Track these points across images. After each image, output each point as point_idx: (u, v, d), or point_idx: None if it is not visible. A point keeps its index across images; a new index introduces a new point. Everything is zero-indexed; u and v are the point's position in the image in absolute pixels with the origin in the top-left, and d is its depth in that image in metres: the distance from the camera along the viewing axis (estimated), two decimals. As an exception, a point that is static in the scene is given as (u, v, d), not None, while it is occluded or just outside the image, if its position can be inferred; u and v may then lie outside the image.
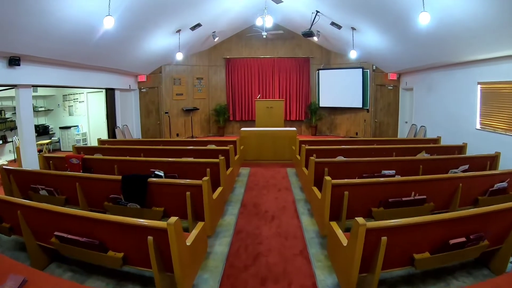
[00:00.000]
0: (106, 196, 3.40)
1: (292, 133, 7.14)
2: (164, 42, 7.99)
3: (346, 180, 3.23)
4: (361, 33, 7.46)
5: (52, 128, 10.25)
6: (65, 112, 10.36)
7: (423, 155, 5.46)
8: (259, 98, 9.55)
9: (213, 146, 5.63)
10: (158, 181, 3.28)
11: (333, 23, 7.22)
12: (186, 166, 4.06)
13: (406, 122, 9.85)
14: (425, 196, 3.26)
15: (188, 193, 3.07)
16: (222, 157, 3.92)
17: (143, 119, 10.43)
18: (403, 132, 9.94)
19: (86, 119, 10.09)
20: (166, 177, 4.03)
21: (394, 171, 4.17)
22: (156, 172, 4.12)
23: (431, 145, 5.96)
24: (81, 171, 4.84)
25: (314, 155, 4.66)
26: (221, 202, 3.96)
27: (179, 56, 8.10)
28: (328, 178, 3.13)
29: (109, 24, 4.63)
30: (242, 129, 7.40)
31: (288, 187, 5.24)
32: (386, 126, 10.06)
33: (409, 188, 3.26)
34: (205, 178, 3.13)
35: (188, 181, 3.22)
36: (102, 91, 9.14)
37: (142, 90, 10.28)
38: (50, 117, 10.45)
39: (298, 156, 5.53)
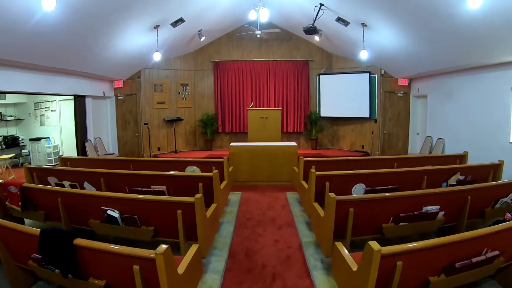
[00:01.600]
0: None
1: (292, 149, 6.15)
2: (141, 41, 7.00)
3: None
4: (372, 31, 6.58)
5: (23, 139, 9.46)
6: (36, 122, 9.60)
7: (457, 178, 4.57)
8: (252, 107, 8.55)
9: (193, 170, 4.55)
10: (91, 246, 2.17)
11: (339, 19, 6.30)
12: (151, 205, 2.98)
13: (418, 134, 9.03)
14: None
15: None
16: (199, 196, 2.85)
17: (119, 130, 9.39)
18: (414, 145, 9.11)
19: (58, 130, 9.30)
20: (122, 219, 2.96)
21: (438, 206, 3.23)
22: (109, 212, 3.04)
23: (464, 164, 4.98)
24: (20, 203, 3.77)
25: (327, 183, 3.67)
26: (197, 266, 2.84)
27: (157, 57, 7.10)
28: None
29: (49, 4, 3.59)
30: (232, 144, 6.38)
31: (290, 221, 4.21)
32: (395, 138, 9.15)
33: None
34: (159, 251, 2.06)
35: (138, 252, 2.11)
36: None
37: (118, 97, 9.25)
38: (21, 127, 9.64)
39: (303, 183, 4.50)
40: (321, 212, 3.27)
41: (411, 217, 3.11)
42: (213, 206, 3.41)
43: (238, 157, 6.11)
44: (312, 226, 3.74)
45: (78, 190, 3.34)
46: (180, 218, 2.80)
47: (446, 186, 4.60)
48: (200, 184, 3.68)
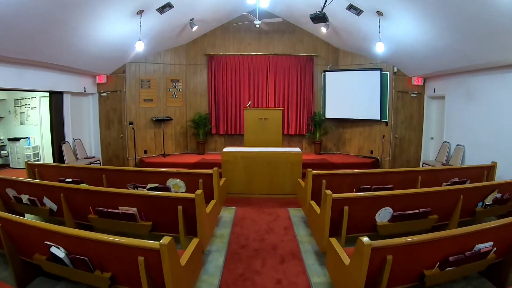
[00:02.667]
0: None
1: (296, 156, 5.43)
2: (124, 29, 6.28)
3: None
4: (388, 21, 5.88)
5: (2, 139, 8.83)
6: (16, 120, 8.93)
7: (494, 196, 4.00)
8: (249, 106, 7.80)
9: (176, 184, 3.80)
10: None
11: (351, 7, 5.56)
12: (105, 247, 2.21)
13: (432, 138, 8.37)
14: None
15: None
16: (166, 241, 2.07)
17: (103, 131, 8.66)
18: (427, 151, 8.46)
19: (39, 129, 8.57)
20: (70, 259, 2.23)
21: (491, 243, 2.55)
22: (52, 250, 2.28)
23: (504, 181, 4.24)
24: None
25: (346, 207, 2.96)
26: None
27: (140, 47, 6.34)
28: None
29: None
30: (225, 149, 5.64)
31: (295, 251, 3.51)
32: (407, 143, 8.48)
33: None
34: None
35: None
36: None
37: (101, 94, 8.48)
38: (1, 126, 9.00)
39: (312, 205, 3.74)
40: (345, 259, 2.46)
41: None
42: (194, 242, 2.67)
43: (232, 165, 5.38)
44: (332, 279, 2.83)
45: (18, 218, 2.55)
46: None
47: (482, 206, 3.95)
48: (180, 208, 2.93)
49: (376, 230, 3.19)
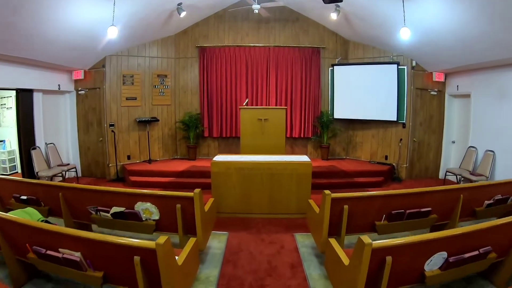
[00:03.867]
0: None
1: (304, 167, 4.58)
2: (98, 14, 5.36)
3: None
4: (412, 3, 4.92)
5: None
6: None
7: None
8: (246, 104, 6.90)
9: (146, 209, 2.92)
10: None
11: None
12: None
13: (453, 142, 7.57)
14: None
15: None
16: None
17: (81, 134, 7.82)
18: (447, 157, 7.69)
19: (15, 131, 7.43)
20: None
21: None
22: None
23: None
24: None
25: (389, 257, 2.07)
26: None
27: (113, 33, 5.40)
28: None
29: None
30: (216, 158, 4.78)
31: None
32: (426, 147, 7.70)
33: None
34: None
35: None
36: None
37: (79, 92, 7.57)
38: None
39: (334, 248, 2.80)
40: None
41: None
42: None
43: (224, 179, 4.52)
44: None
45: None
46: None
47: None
48: (137, 259, 2.03)
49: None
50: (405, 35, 5.29)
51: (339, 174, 6.72)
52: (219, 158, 4.86)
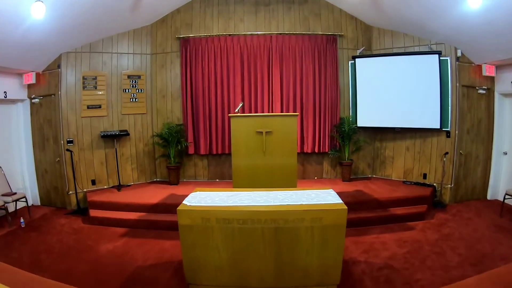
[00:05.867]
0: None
1: (333, 216, 2.92)
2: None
3: None
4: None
5: None
6: None
7: None
8: (238, 111, 5.18)
9: None
10: None
11: None
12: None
13: (505, 153, 5.99)
14: None
15: None
16: None
17: (37, 152, 6.27)
18: (497, 172, 6.10)
19: None
20: None
21: None
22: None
23: None
24: None
25: None
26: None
27: (38, 11, 3.69)
28: None
29: None
30: (187, 201, 3.13)
31: None
32: (474, 161, 6.12)
33: None
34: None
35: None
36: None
37: (33, 100, 6.03)
38: None
39: None
40: None
41: None
42: None
43: (202, 236, 2.85)
44: None
45: None
46: None
47: None
48: None
49: None
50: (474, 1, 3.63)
51: (370, 203, 5.06)
52: (194, 198, 3.20)
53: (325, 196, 3.22)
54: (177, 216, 2.90)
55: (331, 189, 3.51)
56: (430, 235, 4.49)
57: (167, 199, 5.23)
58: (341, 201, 3.05)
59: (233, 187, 4.36)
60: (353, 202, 5.01)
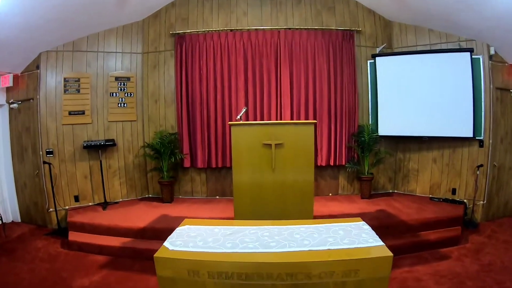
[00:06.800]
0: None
1: (371, 266, 2.15)
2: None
3: None
4: None
5: None
6: None
7: None
8: (241, 118, 4.34)
9: None
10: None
11: None
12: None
13: None
14: None
15: None
16: None
17: (16, 163, 5.56)
18: None
19: None
20: None
21: None
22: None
23: None
24: None
25: None
26: None
27: None
28: None
29: None
30: (168, 244, 2.45)
31: None
32: (507, 173, 5.37)
33: None
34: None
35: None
36: None
37: (11, 106, 5.37)
38: None
39: None
40: None
41: None
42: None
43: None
44: None
45: None
46: None
47: None
48: None
49: None
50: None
51: (397, 227, 4.28)
52: (180, 237, 2.45)
53: (358, 234, 2.47)
54: (155, 264, 2.14)
55: (362, 221, 2.77)
56: (469, 266, 3.76)
57: (157, 222, 4.45)
58: (382, 242, 2.31)
59: (235, 213, 3.62)
60: (378, 227, 4.22)
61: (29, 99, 5.28)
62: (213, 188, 5.73)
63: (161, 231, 4.21)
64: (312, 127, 3.62)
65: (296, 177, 3.60)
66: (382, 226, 4.33)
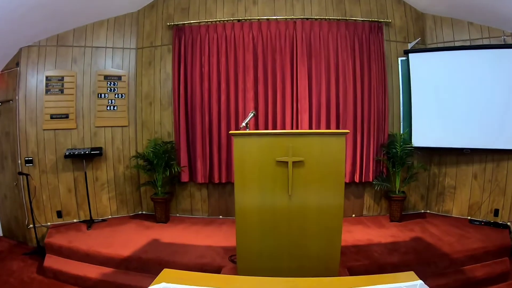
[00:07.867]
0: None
1: None
2: None
3: None
4: None
5: None
6: None
7: None
8: (247, 124, 3.35)
9: None
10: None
11: None
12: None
13: None
14: None
15: None
16: None
17: None
18: None
19: None
20: None
21: None
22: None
23: None
24: None
25: None
26: None
27: None
28: None
29: None
30: None
31: None
32: None
33: None
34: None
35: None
36: None
37: None
38: None
39: None
40: None
41: None
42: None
43: None
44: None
45: None
46: None
47: None
48: None
49: None
50: None
51: (438, 261, 3.48)
52: None
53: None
54: None
55: (419, 280, 1.99)
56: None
57: (145, 250, 3.69)
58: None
59: (237, 249, 2.85)
60: (415, 261, 3.45)
61: (9, 101, 4.66)
62: (216, 206, 4.96)
63: (147, 263, 3.46)
64: (344, 139, 2.79)
65: (320, 202, 2.78)
66: (423, 262, 3.52)
